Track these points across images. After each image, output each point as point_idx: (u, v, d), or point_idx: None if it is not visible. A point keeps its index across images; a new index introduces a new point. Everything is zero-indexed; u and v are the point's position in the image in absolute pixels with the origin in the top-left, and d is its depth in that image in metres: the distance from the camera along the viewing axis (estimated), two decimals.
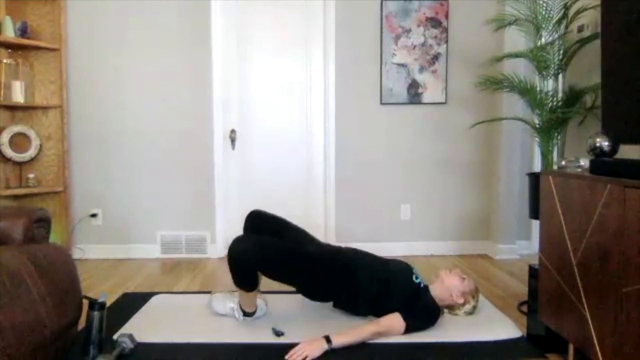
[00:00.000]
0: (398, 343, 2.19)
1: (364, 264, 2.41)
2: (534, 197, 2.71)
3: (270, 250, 2.27)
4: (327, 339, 2.08)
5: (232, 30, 3.88)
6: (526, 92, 2.90)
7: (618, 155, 1.93)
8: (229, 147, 3.94)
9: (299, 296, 2.52)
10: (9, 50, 3.56)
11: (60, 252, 2.00)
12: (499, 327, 2.39)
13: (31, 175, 3.63)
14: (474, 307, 2.50)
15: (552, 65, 2.78)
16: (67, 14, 3.74)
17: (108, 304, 2.27)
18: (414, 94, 3.89)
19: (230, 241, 2.27)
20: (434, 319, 2.34)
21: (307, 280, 2.37)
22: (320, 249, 2.50)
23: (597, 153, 1.91)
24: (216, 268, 3.59)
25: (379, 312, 2.32)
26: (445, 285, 2.43)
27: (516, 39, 3.47)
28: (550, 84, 2.83)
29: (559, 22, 2.77)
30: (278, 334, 2.28)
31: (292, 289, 2.43)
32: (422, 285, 2.43)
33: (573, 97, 2.75)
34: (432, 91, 3.89)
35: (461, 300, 2.44)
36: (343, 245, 2.68)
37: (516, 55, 3.12)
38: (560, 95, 2.85)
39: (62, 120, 3.69)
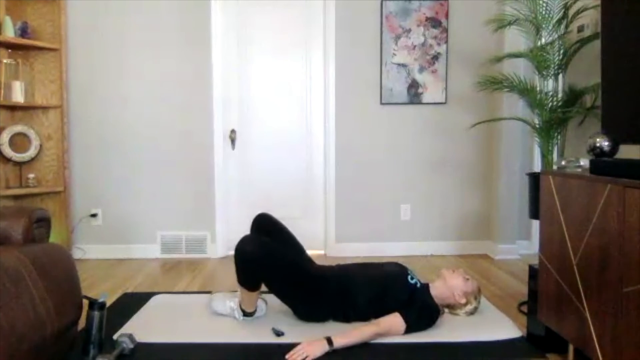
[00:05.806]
0: (398, 343, 2.19)
1: (356, 278, 2.40)
2: (534, 197, 2.71)
3: (276, 258, 2.28)
4: (329, 341, 2.08)
5: (232, 30, 3.89)
6: (526, 92, 2.90)
7: (618, 155, 1.93)
8: (229, 147, 3.94)
9: None
10: (9, 50, 3.56)
11: (60, 252, 1.99)
12: (499, 327, 2.39)
13: (31, 175, 3.63)
14: (475, 308, 2.50)
15: (552, 65, 2.78)
16: (67, 14, 3.74)
17: (108, 304, 2.27)
18: (414, 94, 3.89)
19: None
20: (434, 318, 2.34)
21: (304, 297, 2.38)
22: (316, 270, 2.49)
23: (597, 153, 1.91)
24: (216, 268, 3.59)
25: (379, 316, 2.31)
26: (448, 285, 2.43)
27: (516, 39, 3.47)
28: (550, 84, 2.83)
29: (559, 22, 2.77)
30: (278, 334, 2.28)
31: None
32: (418, 285, 2.43)
33: (573, 97, 2.75)
34: (432, 91, 3.89)
35: (463, 300, 2.44)
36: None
37: (516, 55, 3.12)
38: (560, 95, 2.85)
39: (62, 120, 3.69)
